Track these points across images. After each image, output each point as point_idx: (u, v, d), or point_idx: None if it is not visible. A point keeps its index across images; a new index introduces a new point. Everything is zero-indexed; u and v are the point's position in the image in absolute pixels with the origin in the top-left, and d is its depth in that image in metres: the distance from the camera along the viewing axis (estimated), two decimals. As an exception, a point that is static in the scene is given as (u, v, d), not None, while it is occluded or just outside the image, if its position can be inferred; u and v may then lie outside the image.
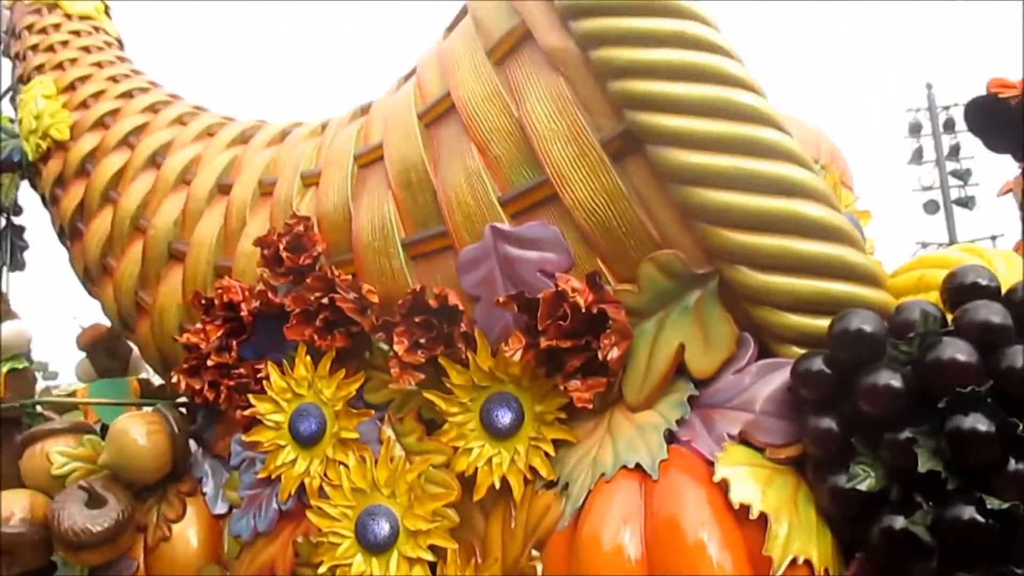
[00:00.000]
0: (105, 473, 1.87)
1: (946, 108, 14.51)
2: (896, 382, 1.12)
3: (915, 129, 14.78)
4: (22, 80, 2.62)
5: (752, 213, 1.25)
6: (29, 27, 2.67)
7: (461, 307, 1.45)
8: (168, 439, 1.86)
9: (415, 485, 1.48)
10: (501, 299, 1.39)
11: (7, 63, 2.79)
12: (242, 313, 1.70)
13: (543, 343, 1.34)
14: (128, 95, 2.44)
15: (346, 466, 1.55)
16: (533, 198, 1.44)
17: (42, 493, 1.93)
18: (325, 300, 1.56)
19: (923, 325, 1.15)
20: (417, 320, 1.48)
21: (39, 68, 2.57)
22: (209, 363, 1.73)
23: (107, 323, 2.62)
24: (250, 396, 1.65)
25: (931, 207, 14.28)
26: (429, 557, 1.46)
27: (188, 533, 1.84)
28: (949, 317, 1.20)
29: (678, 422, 1.29)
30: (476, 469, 1.43)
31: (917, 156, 14.75)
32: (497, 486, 1.41)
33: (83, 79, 2.50)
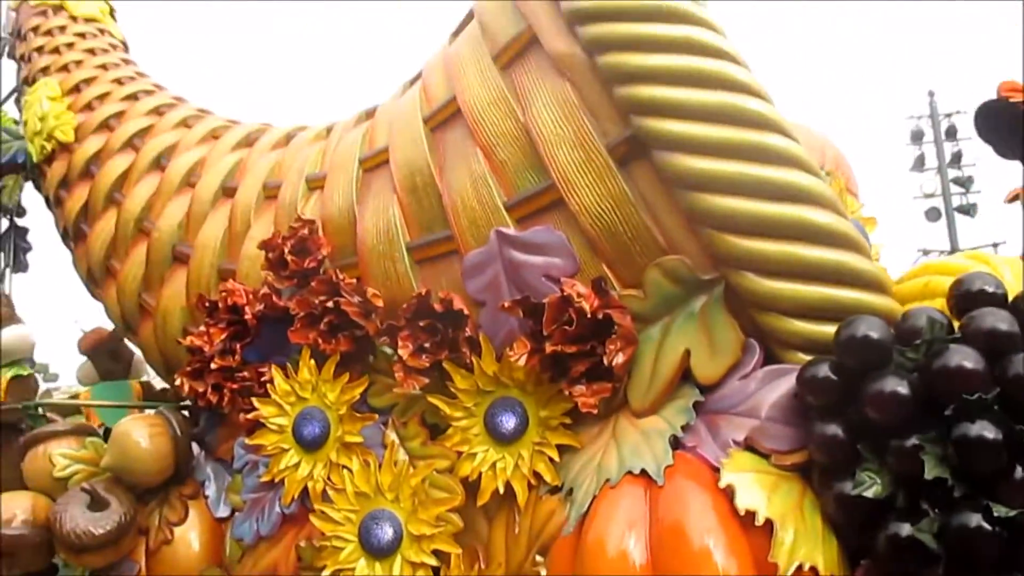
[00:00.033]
0: (107, 475, 1.86)
1: (948, 115, 14.53)
2: (903, 389, 1.12)
3: (917, 136, 14.79)
4: (27, 82, 2.62)
5: (758, 219, 1.25)
6: (35, 29, 2.67)
7: (466, 311, 1.45)
8: (171, 442, 1.85)
9: (419, 489, 1.47)
10: (506, 304, 1.38)
11: (12, 65, 2.80)
12: (246, 316, 1.70)
13: (548, 348, 1.34)
14: (133, 97, 2.44)
15: (350, 470, 1.54)
16: (539, 203, 1.44)
17: (44, 495, 1.93)
18: (330, 304, 1.56)
19: (930, 332, 1.15)
20: (422, 324, 1.48)
21: (44, 70, 2.57)
22: (213, 366, 1.72)
23: (109, 327, 2.63)
24: (254, 399, 1.65)
25: (933, 214, 14.28)
26: (433, 562, 1.46)
27: (190, 536, 1.83)
28: (956, 324, 1.19)
29: (683, 428, 1.29)
30: (480, 474, 1.43)
31: (919, 163, 14.76)
32: (501, 491, 1.41)
33: (88, 81, 2.50)
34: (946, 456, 1.09)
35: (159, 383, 2.43)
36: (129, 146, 2.29)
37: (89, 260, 2.25)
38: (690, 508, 1.20)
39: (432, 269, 1.56)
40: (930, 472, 1.07)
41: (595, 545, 1.23)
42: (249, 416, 1.65)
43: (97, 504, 1.79)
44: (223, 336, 1.72)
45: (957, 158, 14.48)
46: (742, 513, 1.17)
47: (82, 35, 2.66)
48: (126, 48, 2.77)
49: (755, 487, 1.19)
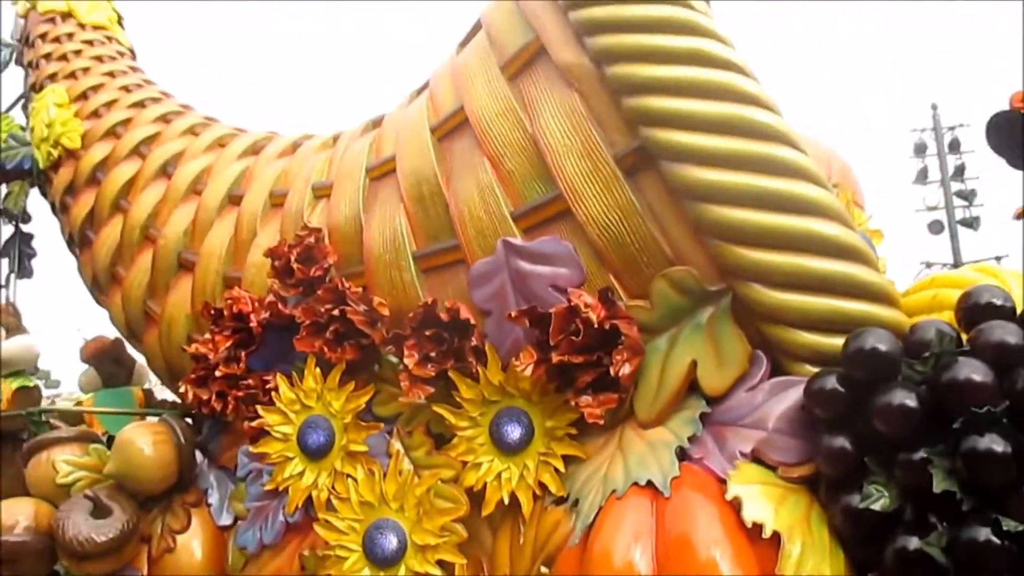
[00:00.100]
0: (111, 482, 1.86)
1: (951, 128, 14.55)
2: (911, 402, 1.12)
3: (920, 149, 14.81)
4: (35, 88, 2.63)
5: (766, 230, 1.24)
6: (43, 36, 2.68)
7: (472, 321, 1.45)
8: (174, 449, 1.85)
9: (424, 499, 1.47)
10: (513, 313, 1.38)
11: (20, 71, 2.81)
12: (251, 324, 1.70)
13: (555, 358, 1.34)
14: (140, 105, 2.45)
15: (354, 479, 1.54)
16: (546, 213, 1.44)
17: (47, 502, 1.93)
18: (335, 312, 1.56)
19: (938, 345, 1.15)
20: (428, 333, 1.48)
21: (52, 77, 2.58)
22: (217, 374, 1.72)
23: (110, 335, 2.63)
24: (258, 407, 1.65)
25: (936, 227, 14.29)
26: (437, 572, 1.45)
27: (192, 544, 1.83)
28: (964, 337, 1.19)
29: (690, 439, 1.29)
30: (485, 484, 1.42)
31: (922, 176, 14.77)
32: (506, 501, 1.40)
33: (95, 88, 2.51)
34: (954, 469, 1.08)
35: (161, 390, 2.43)
36: (136, 153, 2.30)
37: (94, 266, 2.25)
38: (697, 520, 1.20)
39: (438, 278, 1.56)
40: (938, 485, 1.07)
41: (601, 556, 1.23)
42: (253, 424, 1.65)
43: (100, 511, 1.78)
44: (228, 344, 1.72)
45: (960, 171, 14.50)
46: (749, 525, 1.16)
47: (90, 42, 2.67)
48: (133, 56, 2.79)
49: (762, 499, 1.19)
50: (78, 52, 2.63)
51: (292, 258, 1.65)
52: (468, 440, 1.46)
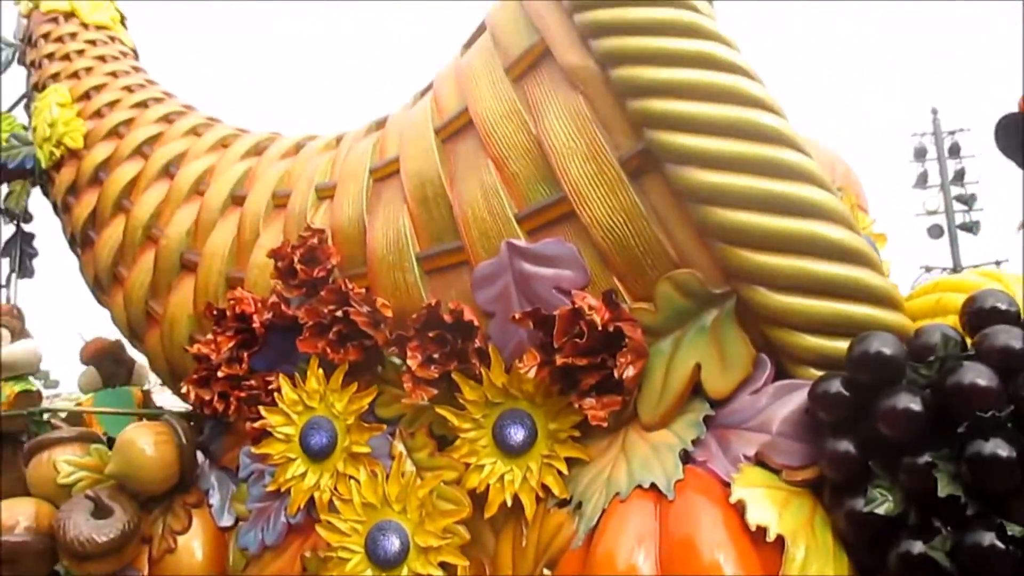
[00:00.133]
0: (112, 483, 1.86)
1: (951, 133, 14.56)
2: (916, 405, 1.12)
3: (920, 153, 14.81)
4: (37, 88, 2.64)
5: (771, 233, 1.24)
6: (45, 35, 2.69)
7: (476, 322, 1.45)
8: (176, 450, 1.85)
9: (426, 501, 1.47)
10: (517, 315, 1.38)
11: (22, 71, 2.81)
12: (254, 325, 1.70)
13: (559, 360, 1.34)
14: (143, 105, 2.45)
15: (357, 480, 1.54)
16: (550, 215, 1.44)
17: (48, 502, 1.92)
18: (339, 313, 1.56)
19: (943, 349, 1.15)
20: (431, 335, 1.48)
21: (54, 76, 2.58)
22: (219, 374, 1.72)
23: (110, 336, 2.64)
24: (261, 408, 1.65)
25: (935, 231, 14.29)
26: (439, 574, 1.45)
27: (193, 545, 1.83)
28: (968, 341, 1.19)
29: (694, 442, 1.29)
30: (488, 486, 1.42)
31: (922, 180, 14.78)
32: (509, 504, 1.40)
33: (98, 88, 2.51)
34: (959, 474, 1.08)
35: (159, 392, 2.43)
36: (138, 153, 2.30)
37: (96, 267, 2.25)
38: (700, 523, 1.20)
39: (442, 280, 1.55)
40: (943, 490, 1.07)
41: (604, 559, 1.23)
42: (256, 425, 1.65)
43: (101, 511, 1.78)
44: (230, 344, 1.72)
45: (960, 176, 14.51)
46: (753, 529, 1.16)
47: (93, 42, 2.68)
48: (136, 56, 2.79)
49: (766, 503, 1.19)
50: (81, 52, 2.64)
51: (295, 259, 1.65)
52: (471, 442, 1.46)
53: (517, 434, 1.42)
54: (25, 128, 2.69)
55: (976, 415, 1.07)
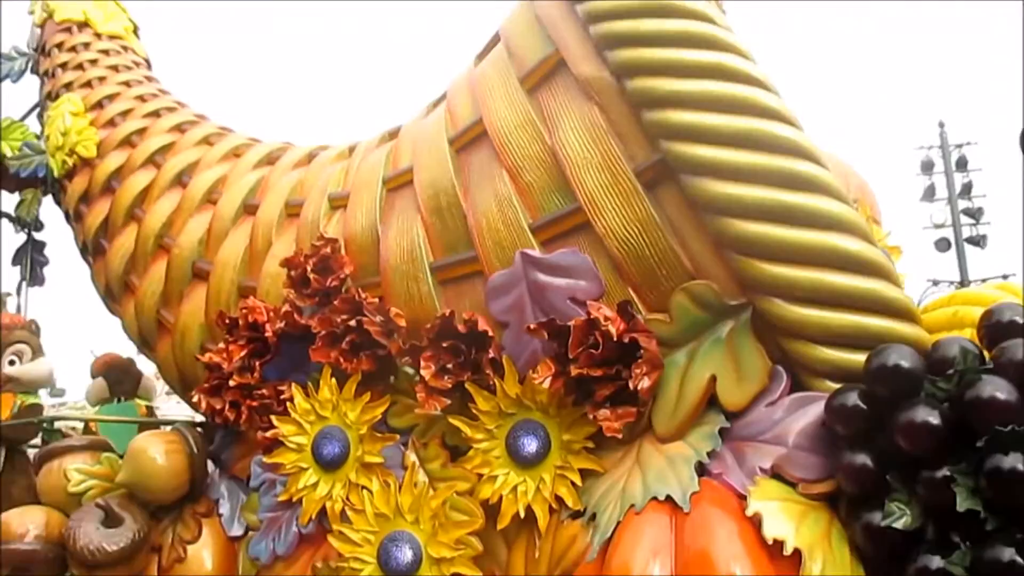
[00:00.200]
0: (122, 492, 1.86)
1: (959, 146, 14.52)
2: (934, 419, 1.11)
3: (927, 166, 14.77)
4: (50, 97, 2.65)
5: (787, 245, 1.24)
6: (59, 45, 2.70)
7: (490, 333, 1.44)
8: (186, 459, 1.85)
9: (439, 512, 1.46)
10: (532, 326, 1.38)
11: (35, 80, 2.82)
12: (266, 334, 1.70)
13: (573, 371, 1.33)
14: (155, 114, 2.46)
15: (369, 491, 1.53)
16: (564, 225, 1.43)
17: (58, 510, 1.92)
18: (352, 322, 1.56)
19: (962, 362, 1.14)
20: (445, 345, 1.47)
21: (68, 86, 2.60)
22: (231, 383, 1.72)
23: (121, 352, 2.67)
24: (273, 417, 1.64)
25: (943, 245, 14.23)
26: (452, 585, 1.44)
27: (203, 554, 1.83)
28: (987, 355, 1.18)
29: (709, 454, 1.28)
30: (501, 497, 1.41)
31: (929, 193, 14.73)
32: (522, 515, 1.39)
33: (111, 97, 2.52)
34: (978, 488, 1.07)
35: (165, 400, 2.44)
36: (151, 162, 2.31)
37: (107, 275, 2.26)
38: (716, 536, 1.19)
39: (455, 290, 1.55)
40: (962, 504, 1.06)
41: (620, 571, 1.22)
42: (268, 434, 1.64)
43: (111, 520, 1.78)
44: (242, 353, 1.72)
45: (967, 189, 14.46)
46: (770, 542, 1.15)
47: (106, 52, 2.69)
48: (149, 66, 2.80)
49: (783, 516, 1.18)
50: (94, 61, 2.65)
51: (308, 268, 1.65)
52: (484, 452, 1.45)
53: (530, 445, 1.41)
54: (37, 137, 2.70)
55: (995, 429, 1.06)
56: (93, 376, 2.84)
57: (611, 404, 1.34)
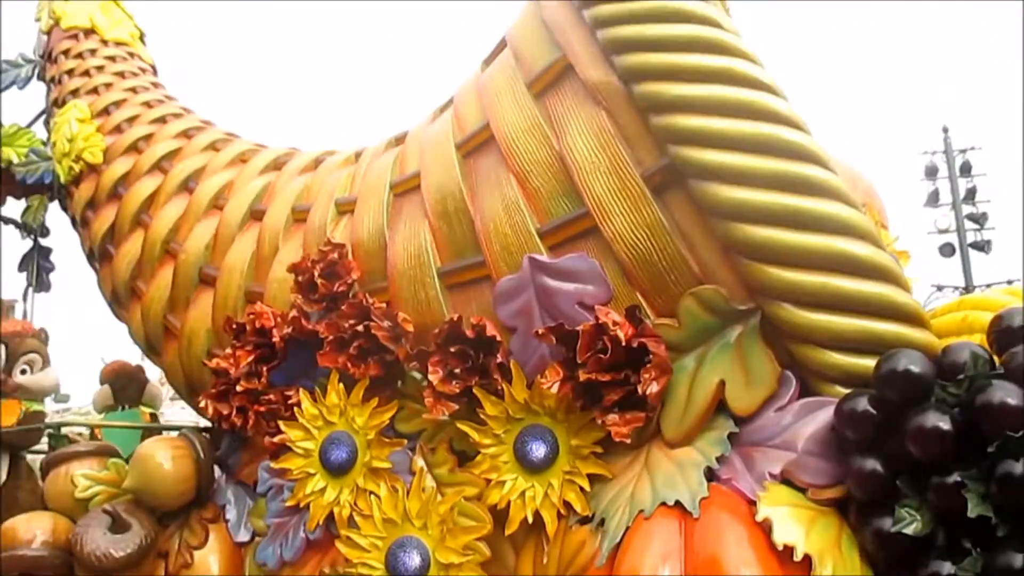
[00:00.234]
0: (129, 497, 1.86)
1: (963, 151, 14.49)
2: (945, 424, 1.11)
3: (931, 172, 14.74)
4: (56, 103, 2.66)
5: (797, 250, 1.24)
6: (65, 52, 2.71)
7: (498, 338, 1.44)
8: (193, 464, 1.85)
9: (447, 517, 1.46)
10: (540, 331, 1.38)
11: (42, 87, 2.83)
12: (273, 339, 1.70)
13: (582, 376, 1.33)
14: (162, 120, 2.46)
15: (377, 496, 1.53)
16: (572, 230, 1.43)
17: (65, 516, 1.92)
18: (359, 328, 1.55)
19: (973, 367, 1.13)
20: (452, 350, 1.47)
21: (74, 92, 2.61)
22: (238, 388, 1.72)
23: (129, 359, 2.67)
24: (280, 423, 1.64)
25: (947, 250, 14.19)
26: (460, 591, 1.43)
27: (209, 560, 1.82)
28: (997, 360, 1.18)
29: (718, 459, 1.28)
30: (509, 502, 1.41)
31: (933, 199, 14.70)
32: (530, 520, 1.39)
33: (117, 104, 2.53)
34: (989, 494, 1.07)
35: (168, 406, 2.45)
36: (157, 168, 2.31)
37: (114, 280, 2.26)
38: (726, 541, 1.19)
39: (463, 295, 1.55)
40: (973, 510, 1.06)
41: (629, 577, 1.22)
42: (275, 439, 1.64)
43: (118, 526, 1.78)
44: (249, 359, 1.72)
45: (972, 194, 14.42)
46: (780, 548, 1.15)
47: (112, 58, 2.70)
48: (155, 72, 2.81)
49: (792, 521, 1.18)
50: (100, 68, 2.66)
51: (315, 273, 1.65)
52: (492, 458, 1.45)
53: (538, 450, 1.41)
54: (44, 143, 2.71)
55: (1007, 435, 1.06)
56: (102, 383, 2.85)
57: (620, 409, 1.34)
